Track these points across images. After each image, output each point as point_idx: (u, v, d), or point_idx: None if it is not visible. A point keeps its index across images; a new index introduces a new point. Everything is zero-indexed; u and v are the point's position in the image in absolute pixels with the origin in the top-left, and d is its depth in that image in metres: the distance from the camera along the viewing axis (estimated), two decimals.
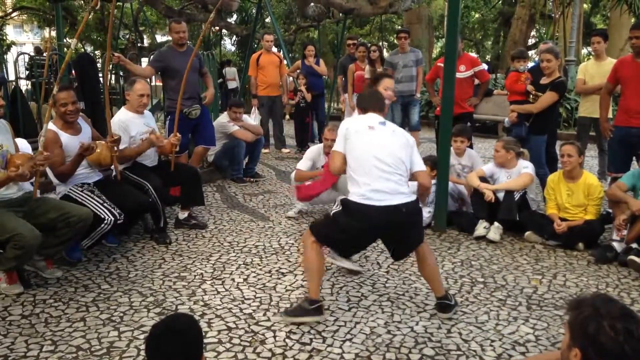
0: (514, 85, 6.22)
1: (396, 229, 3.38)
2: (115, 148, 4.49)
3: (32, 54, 10.02)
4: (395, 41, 8.53)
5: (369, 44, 9.13)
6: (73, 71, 7.05)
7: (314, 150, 5.66)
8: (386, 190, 3.28)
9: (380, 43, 10.24)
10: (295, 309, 3.40)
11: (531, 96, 5.74)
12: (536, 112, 5.58)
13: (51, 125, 4.16)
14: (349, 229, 3.36)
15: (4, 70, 8.80)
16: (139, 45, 18.55)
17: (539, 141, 5.68)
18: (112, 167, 4.66)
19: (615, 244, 4.49)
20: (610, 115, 5.74)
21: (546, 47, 6.15)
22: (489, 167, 5.29)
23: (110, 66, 8.33)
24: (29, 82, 9.04)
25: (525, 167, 5.07)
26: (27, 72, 8.06)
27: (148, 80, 6.14)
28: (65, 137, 4.22)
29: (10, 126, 3.96)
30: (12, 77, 8.31)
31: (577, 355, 1.66)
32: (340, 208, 3.41)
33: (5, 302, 3.63)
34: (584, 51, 20.43)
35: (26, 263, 3.82)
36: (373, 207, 3.25)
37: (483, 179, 5.13)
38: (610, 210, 4.81)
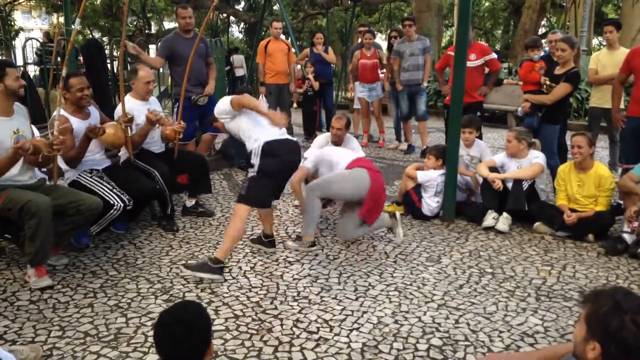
0: (528, 75, 6.14)
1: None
2: (129, 129, 4.51)
3: (41, 39, 10.00)
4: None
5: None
6: (81, 57, 7.03)
7: (322, 139, 5.63)
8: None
9: (389, 31, 10.14)
10: (201, 265, 3.80)
11: (545, 86, 5.67)
12: (550, 103, 5.52)
13: (61, 111, 4.16)
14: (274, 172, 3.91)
15: (12, 55, 8.80)
16: (146, 32, 18.54)
17: (551, 130, 5.63)
18: (123, 150, 4.67)
19: (625, 236, 4.44)
20: (622, 105, 5.68)
21: (562, 36, 6.08)
22: (500, 157, 5.25)
23: (116, 52, 8.33)
24: (36, 68, 9.03)
25: (537, 157, 5.03)
26: (37, 58, 8.03)
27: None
28: (75, 122, 4.23)
29: (27, 111, 3.97)
30: (19, 62, 8.30)
31: (595, 348, 1.65)
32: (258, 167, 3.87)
33: (14, 287, 3.65)
34: (595, 41, 20.23)
35: (50, 239, 3.66)
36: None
37: (493, 169, 5.10)
38: (621, 202, 4.76)
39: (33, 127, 4.20)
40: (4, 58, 7.70)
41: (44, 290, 3.60)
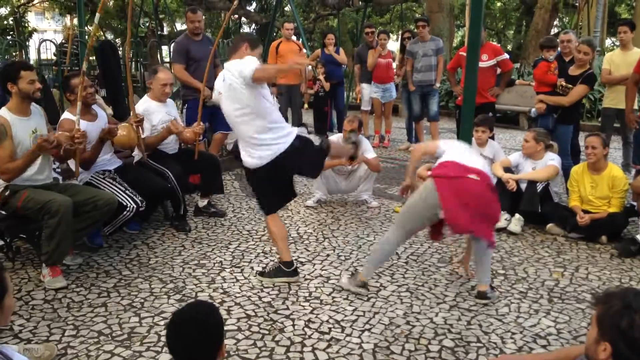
0: (545, 76, 6.06)
1: None
2: (141, 129, 4.54)
3: (61, 41, 10.09)
4: (415, 30, 8.46)
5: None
6: (94, 58, 7.08)
7: (333, 140, 5.63)
8: None
9: (400, 32, 10.14)
10: (273, 271, 3.78)
11: (560, 88, 5.63)
12: (568, 105, 5.49)
13: (68, 115, 4.19)
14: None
15: (24, 56, 8.89)
16: (159, 33, 18.64)
17: (566, 131, 5.60)
18: (136, 151, 4.71)
19: (639, 237, 4.41)
20: (635, 106, 5.64)
21: (573, 36, 6.06)
22: (515, 157, 5.22)
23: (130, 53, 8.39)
24: (51, 69, 9.11)
25: (552, 159, 4.99)
26: (56, 59, 8.10)
27: (169, 67, 6.17)
28: (83, 123, 4.23)
29: (44, 112, 4.01)
30: (34, 63, 8.37)
31: (606, 349, 1.65)
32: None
33: (28, 286, 3.68)
34: (608, 41, 20.08)
35: (67, 239, 3.69)
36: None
37: (508, 169, 5.08)
38: (635, 203, 4.72)
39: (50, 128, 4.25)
40: (24, 60, 7.76)
41: (58, 289, 3.63)
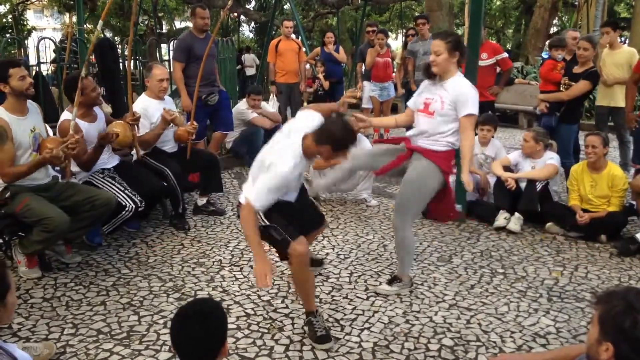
0: (550, 74, 6.05)
1: None
2: (136, 127, 4.52)
3: (61, 38, 10.06)
4: (415, 28, 8.42)
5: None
6: (93, 56, 7.05)
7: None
8: None
9: (399, 30, 10.15)
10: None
11: (564, 86, 5.64)
12: (567, 100, 5.49)
13: (68, 115, 4.15)
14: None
15: (22, 54, 8.85)
16: (158, 31, 18.62)
17: (569, 130, 5.61)
18: (134, 150, 4.69)
19: (638, 236, 4.40)
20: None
21: (585, 35, 6.07)
22: (514, 156, 5.22)
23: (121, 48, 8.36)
24: (49, 67, 9.08)
25: (551, 158, 5.00)
26: (55, 57, 8.05)
27: (166, 65, 6.15)
28: (84, 125, 4.21)
29: (41, 109, 3.98)
30: (32, 61, 8.34)
31: (608, 349, 1.64)
32: None
33: (27, 285, 3.68)
34: None
35: (51, 247, 3.86)
36: None
37: (507, 168, 5.08)
38: (634, 202, 4.73)
39: (47, 125, 4.23)
40: (11, 57, 7.72)
41: (57, 288, 3.63)
